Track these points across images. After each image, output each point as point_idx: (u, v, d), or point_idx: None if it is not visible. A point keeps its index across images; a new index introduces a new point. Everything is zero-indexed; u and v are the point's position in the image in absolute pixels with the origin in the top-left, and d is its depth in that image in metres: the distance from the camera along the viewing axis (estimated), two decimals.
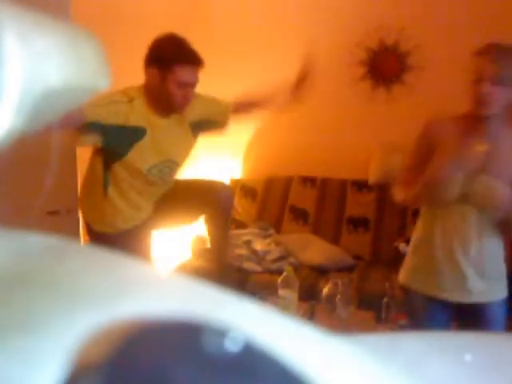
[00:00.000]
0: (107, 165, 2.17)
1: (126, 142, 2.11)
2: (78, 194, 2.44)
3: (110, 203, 2.21)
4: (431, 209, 1.82)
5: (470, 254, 1.75)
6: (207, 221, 2.52)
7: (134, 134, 2.11)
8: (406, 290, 1.91)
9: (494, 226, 1.74)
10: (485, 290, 1.77)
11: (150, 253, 2.43)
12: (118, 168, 2.17)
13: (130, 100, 2.08)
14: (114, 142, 2.08)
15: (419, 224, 1.89)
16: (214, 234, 2.57)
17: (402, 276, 1.91)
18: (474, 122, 1.68)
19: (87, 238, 2.36)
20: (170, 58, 2.04)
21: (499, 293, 1.81)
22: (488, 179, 1.67)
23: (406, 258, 1.94)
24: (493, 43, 1.63)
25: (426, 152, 1.77)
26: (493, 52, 1.60)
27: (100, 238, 2.23)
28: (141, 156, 2.14)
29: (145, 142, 2.14)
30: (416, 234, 1.90)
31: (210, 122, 2.39)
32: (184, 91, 2.09)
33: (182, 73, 2.06)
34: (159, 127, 2.19)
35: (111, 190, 2.19)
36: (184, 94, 2.10)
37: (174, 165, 2.31)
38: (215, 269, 2.74)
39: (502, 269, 1.82)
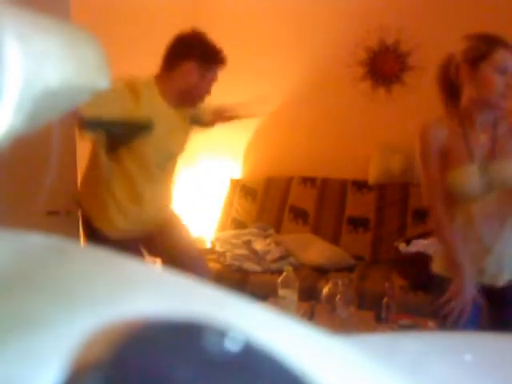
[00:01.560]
0: (113, 157, 2.13)
1: (134, 135, 2.09)
2: (78, 186, 2.40)
3: (112, 196, 2.18)
4: (459, 203, 1.84)
5: (505, 240, 1.77)
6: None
7: (143, 127, 2.08)
8: (440, 278, 1.91)
9: None
10: None
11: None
12: (126, 160, 2.13)
13: (137, 93, 2.06)
14: (120, 135, 2.08)
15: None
16: None
17: (436, 265, 1.92)
18: (473, 112, 1.75)
19: (85, 235, 2.32)
20: (213, 56, 2.12)
21: None
22: (502, 162, 1.74)
23: (437, 249, 1.96)
24: (498, 36, 1.68)
25: (436, 161, 1.79)
26: (509, 46, 1.66)
27: (97, 237, 2.20)
28: (154, 148, 2.12)
29: (157, 133, 2.11)
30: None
31: (199, 119, 2.43)
32: (210, 87, 2.17)
33: (217, 72, 2.16)
34: (171, 119, 2.17)
35: (115, 183, 2.16)
36: (209, 90, 2.17)
37: (173, 158, 2.31)
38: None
39: None
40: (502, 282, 1.80)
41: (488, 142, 1.76)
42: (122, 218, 2.21)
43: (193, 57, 2.08)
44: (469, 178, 1.76)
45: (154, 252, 2.44)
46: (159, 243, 2.36)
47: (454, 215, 1.85)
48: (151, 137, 2.08)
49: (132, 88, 2.05)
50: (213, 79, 2.15)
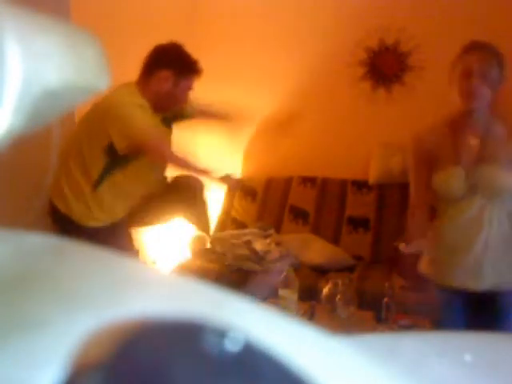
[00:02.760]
0: (111, 166, 2.19)
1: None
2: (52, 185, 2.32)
3: (97, 199, 2.22)
4: (444, 204, 1.88)
5: (484, 244, 1.79)
6: (186, 216, 2.62)
7: None
8: (424, 280, 1.96)
9: (509, 214, 1.79)
10: (499, 278, 1.80)
11: (131, 250, 2.47)
12: (117, 167, 2.19)
13: (141, 104, 2.18)
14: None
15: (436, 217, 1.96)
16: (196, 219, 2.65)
17: (422, 267, 1.98)
18: (463, 117, 1.79)
19: (59, 228, 2.27)
20: (188, 66, 2.25)
21: None
22: (489, 167, 1.76)
23: (426, 250, 2.01)
24: (478, 41, 1.74)
25: (424, 165, 1.88)
26: (481, 50, 1.71)
27: (79, 231, 2.20)
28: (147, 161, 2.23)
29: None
30: (434, 226, 1.98)
31: (183, 112, 2.52)
32: (184, 95, 2.31)
33: (193, 80, 2.29)
34: (159, 126, 2.28)
35: (103, 187, 2.20)
36: (183, 98, 2.32)
37: None
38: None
39: None
40: (482, 286, 1.81)
41: (478, 146, 1.78)
42: (105, 215, 2.27)
43: (169, 65, 2.22)
44: (453, 180, 1.80)
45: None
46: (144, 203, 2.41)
47: (439, 217, 1.91)
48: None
49: (137, 104, 2.16)
50: (187, 88, 2.29)
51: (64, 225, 2.25)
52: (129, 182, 2.26)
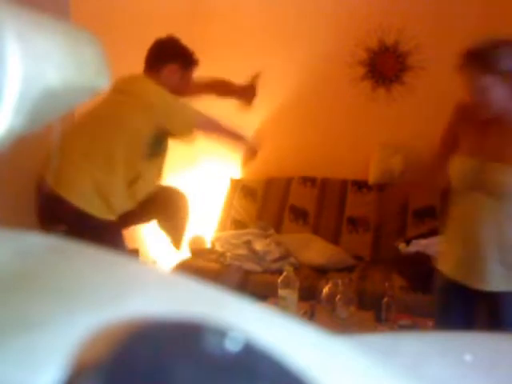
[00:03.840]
0: (147, 162, 2.26)
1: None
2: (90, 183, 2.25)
3: (129, 195, 2.25)
4: (453, 196, 1.87)
5: (488, 242, 1.77)
6: (160, 223, 2.63)
7: None
8: (437, 272, 1.95)
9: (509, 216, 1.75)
10: (503, 278, 1.77)
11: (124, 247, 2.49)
12: (150, 170, 2.29)
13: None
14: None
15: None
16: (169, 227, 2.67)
17: (438, 261, 1.97)
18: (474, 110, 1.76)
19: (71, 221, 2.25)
20: (190, 58, 2.33)
21: None
22: (498, 166, 1.73)
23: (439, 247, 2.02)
24: (472, 51, 1.66)
25: (450, 136, 1.86)
26: (466, 60, 1.65)
27: (87, 222, 2.19)
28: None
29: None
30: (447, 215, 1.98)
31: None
32: (188, 85, 2.41)
33: (194, 72, 2.38)
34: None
35: (139, 184, 2.26)
36: (187, 88, 2.40)
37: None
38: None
39: None
40: (486, 286, 1.77)
41: (481, 141, 1.76)
42: (118, 209, 2.26)
43: (175, 59, 2.31)
44: (458, 169, 1.79)
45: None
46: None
47: (451, 206, 1.88)
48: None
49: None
50: (190, 79, 2.40)
51: (80, 221, 2.25)
52: (152, 180, 2.35)
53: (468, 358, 0.40)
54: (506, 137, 1.72)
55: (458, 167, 1.80)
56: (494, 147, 1.74)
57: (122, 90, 2.15)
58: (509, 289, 1.77)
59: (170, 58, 2.29)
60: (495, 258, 1.78)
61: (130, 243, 2.67)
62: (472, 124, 1.78)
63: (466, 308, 1.87)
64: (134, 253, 2.97)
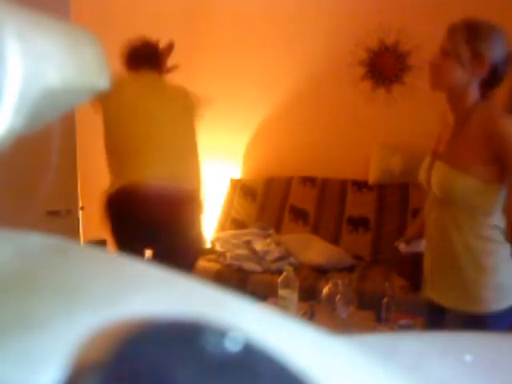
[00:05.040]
0: None
1: None
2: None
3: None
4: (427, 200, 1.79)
5: (435, 250, 1.67)
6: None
7: None
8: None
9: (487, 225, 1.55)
10: (440, 295, 1.68)
11: None
12: None
13: None
14: None
15: None
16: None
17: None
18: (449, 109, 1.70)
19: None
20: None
21: (493, 304, 1.55)
22: (443, 166, 1.58)
23: None
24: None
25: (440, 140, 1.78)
26: (451, 28, 1.65)
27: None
28: None
29: None
30: None
31: None
32: None
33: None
34: None
35: None
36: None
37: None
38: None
39: (499, 278, 1.56)
40: (445, 302, 1.65)
41: (449, 143, 1.62)
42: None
43: (163, 61, 2.49)
44: (422, 170, 1.71)
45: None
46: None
47: (426, 218, 1.76)
48: None
49: None
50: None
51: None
52: None
53: (468, 358, 0.40)
54: (467, 141, 1.55)
55: (422, 166, 1.72)
56: (453, 150, 1.59)
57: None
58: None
59: (165, 58, 2.48)
60: (441, 271, 1.65)
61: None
62: (450, 126, 1.68)
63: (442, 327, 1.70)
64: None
